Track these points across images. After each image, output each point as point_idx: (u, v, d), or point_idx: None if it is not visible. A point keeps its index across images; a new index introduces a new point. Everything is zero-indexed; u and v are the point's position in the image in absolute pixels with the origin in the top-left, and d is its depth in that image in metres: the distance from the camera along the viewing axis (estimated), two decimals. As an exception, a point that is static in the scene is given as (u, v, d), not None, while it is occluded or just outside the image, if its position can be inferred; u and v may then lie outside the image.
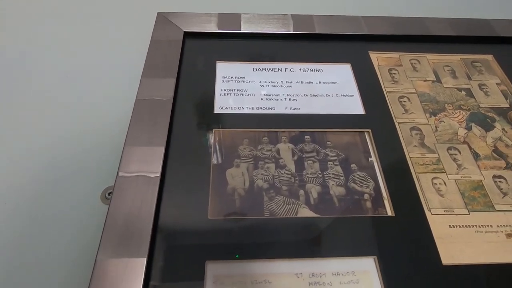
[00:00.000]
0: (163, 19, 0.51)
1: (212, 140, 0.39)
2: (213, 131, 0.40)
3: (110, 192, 0.39)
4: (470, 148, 0.42)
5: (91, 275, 0.29)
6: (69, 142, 0.42)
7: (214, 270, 0.31)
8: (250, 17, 0.52)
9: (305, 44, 0.51)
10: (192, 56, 0.47)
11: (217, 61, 0.47)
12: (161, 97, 0.41)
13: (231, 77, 0.46)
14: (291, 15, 0.53)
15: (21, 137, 0.43)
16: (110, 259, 0.29)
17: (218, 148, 0.39)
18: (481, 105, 0.47)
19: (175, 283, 0.30)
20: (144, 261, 0.29)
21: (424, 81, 0.49)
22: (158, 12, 0.51)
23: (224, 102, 0.43)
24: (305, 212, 0.35)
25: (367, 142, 0.41)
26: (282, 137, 0.41)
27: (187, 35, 0.49)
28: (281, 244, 0.32)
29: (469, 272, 0.32)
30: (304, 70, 0.48)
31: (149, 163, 0.36)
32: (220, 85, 0.45)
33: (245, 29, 0.50)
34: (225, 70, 0.47)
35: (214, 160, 0.38)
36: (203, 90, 0.44)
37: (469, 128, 0.44)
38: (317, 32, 0.51)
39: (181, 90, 0.43)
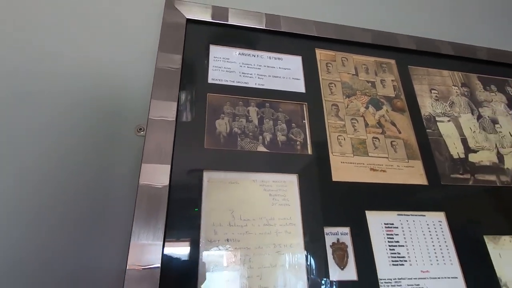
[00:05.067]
0: (170, 5, 0.67)
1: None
2: (207, 95, 0.61)
3: (141, 128, 0.59)
4: (364, 120, 0.68)
5: (139, 176, 0.50)
6: (106, 98, 0.60)
7: (208, 175, 0.54)
8: (236, 11, 0.70)
9: (272, 37, 0.72)
10: (193, 38, 0.66)
11: (210, 44, 0.67)
12: (172, 68, 0.61)
13: (220, 58, 0.66)
14: (265, 13, 0.72)
15: (67, 90, 0.59)
16: (147, 164, 0.51)
17: (211, 107, 0.60)
18: (378, 94, 0.73)
19: (182, 173, 0.53)
20: (168, 167, 0.52)
21: (347, 73, 0.73)
22: (166, -1, 0.67)
23: (215, 75, 0.64)
24: (261, 148, 0.59)
25: (304, 111, 0.65)
26: (251, 103, 0.63)
27: (189, 21, 0.67)
28: (246, 164, 0.57)
29: (348, 185, 0.59)
30: (270, 57, 0.70)
31: (167, 111, 0.56)
32: (212, 63, 0.65)
33: (231, 21, 0.69)
34: (216, 52, 0.66)
35: (207, 114, 0.60)
36: (201, 66, 0.64)
37: (367, 107, 0.70)
38: (282, 30, 0.72)
39: (186, 63, 0.63)
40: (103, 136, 0.56)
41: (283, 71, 0.68)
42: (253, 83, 0.65)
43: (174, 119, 0.56)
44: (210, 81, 0.63)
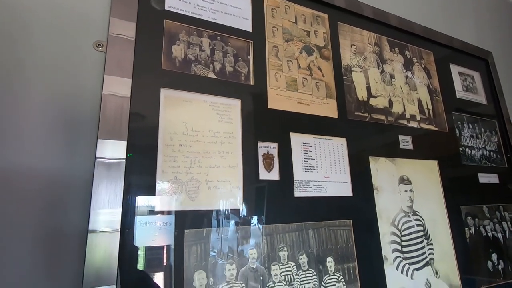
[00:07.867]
0: None
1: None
2: (164, 21, 0.67)
3: (99, 44, 0.62)
4: (298, 62, 0.83)
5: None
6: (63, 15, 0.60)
7: (165, 92, 0.63)
8: None
9: (226, -25, 0.78)
10: (150, -38, 0.68)
11: (167, -29, 0.70)
12: (130, -11, 0.64)
13: (176, -14, 0.70)
14: (221, -50, 0.77)
15: None
16: (109, 76, 0.57)
17: (168, 32, 0.67)
18: (311, 43, 0.87)
19: (141, 87, 0.61)
20: (129, 80, 0.59)
21: (288, 21, 0.85)
22: None
23: (172, 3, 0.69)
24: (212, 75, 0.69)
25: (249, 48, 0.76)
26: (204, 34, 0.71)
27: None
28: (198, 87, 0.67)
29: (279, 112, 0.75)
30: (223, -6, 0.76)
31: (126, 30, 0.61)
32: (169, -10, 0.69)
33: (188, -49, 0.72)
34: (172, -20, 0.70)
35: (164, 38, 0.66)
36: (158, -9, 0.68)
37: (301, 52, 0.84)
38: (235, -31, 0.78)
39: (142, -14, 0.66)
40: (62, 51, 0.59)
41: (234, 9, 0.77)
42: (207, 16, 0.72)
43: (134, 38, 0.62)
44: (167, 7, 0.68)
